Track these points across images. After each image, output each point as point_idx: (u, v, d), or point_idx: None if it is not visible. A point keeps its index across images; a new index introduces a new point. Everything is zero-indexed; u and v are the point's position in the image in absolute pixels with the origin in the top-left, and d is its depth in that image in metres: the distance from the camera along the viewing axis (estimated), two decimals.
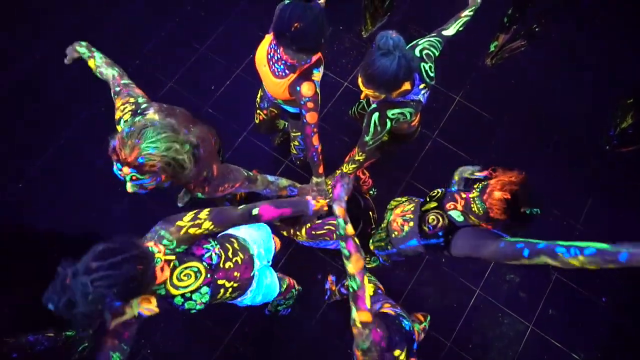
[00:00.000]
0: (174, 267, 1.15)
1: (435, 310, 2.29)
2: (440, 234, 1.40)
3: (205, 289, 1.22)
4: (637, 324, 2.25)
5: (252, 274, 1.43)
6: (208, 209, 1.19)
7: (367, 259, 2.34)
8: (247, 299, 1.50)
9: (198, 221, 1.16)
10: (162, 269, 1.09)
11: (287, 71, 1.49)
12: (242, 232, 1.55)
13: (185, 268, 1.17)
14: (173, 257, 1.14)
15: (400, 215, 1.66)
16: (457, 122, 2.68)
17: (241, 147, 2.63)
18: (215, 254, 1.27)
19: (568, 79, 2.80)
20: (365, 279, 1.12)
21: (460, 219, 1.37)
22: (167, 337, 2.24)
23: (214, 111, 2.73)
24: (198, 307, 1.22)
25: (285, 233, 1.98)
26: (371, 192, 2.45)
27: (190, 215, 1.17)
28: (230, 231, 1.53)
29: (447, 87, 2.74)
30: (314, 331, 2.25)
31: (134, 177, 1.09)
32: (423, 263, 2.37)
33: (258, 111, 2.11)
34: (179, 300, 1.16)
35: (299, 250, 2.40)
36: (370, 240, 1.96)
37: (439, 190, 1.54)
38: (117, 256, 0.93)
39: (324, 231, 1.80)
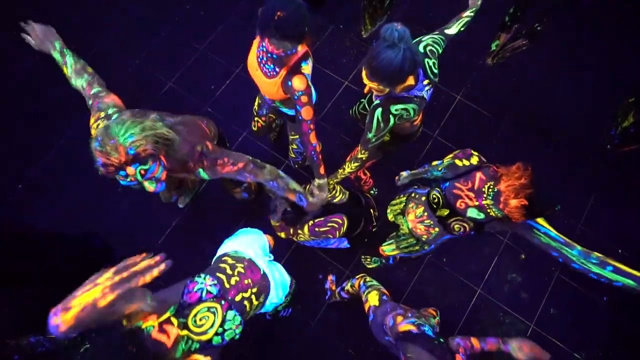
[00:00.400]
0: (182, 324, 1.06)
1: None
2: (472, 233, 1.44)
3: (231, 314, 1.17)
4: (638, 322, 2.24)
5: (262, 273, 1.40)
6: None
7: (368, 259, 2.34)
8: (274, 298, 1.46)
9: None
10: (161, 331, 0.97)
11: (277, 69, 1.51)
12: (230, 245, 1.52)
13: (195, 315, 1.11)
14: (167, 315, 1.02)
15: (417, 221, 1.63)
16: (457, 121, 2.68)
17: (241, 147, 2.63)
18: (210, 284, 1.20)
19: (568, 78, 2.80)
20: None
21: (481, 216, 1.36)
22: None
23: (214, 111, 2.72)
24: (238, 330, 1.18)
25: (283, 235, 1.96)
26: (372, 191, 2.44)
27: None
28: (219, 251, 1.50)
29: (448, 86, 2.74)
30: (315, 331, 2.25)
31: (142, 172, 1.07)
32: (424, 263, 2.37)
33: (256, 118, 2.12)
34: (217, 340, 1.12)
35: (299, 251, 2.39)
36: (389, 247, 1.94)
37: (436, 193, 1.51)
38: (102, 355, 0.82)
39: (327, 228, 1.79)
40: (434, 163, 1.60)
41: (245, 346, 2.21)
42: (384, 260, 2.30)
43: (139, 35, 2.92)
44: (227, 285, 1.23)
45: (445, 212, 1.47)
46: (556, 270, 2.35)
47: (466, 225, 1.43)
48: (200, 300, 1.16)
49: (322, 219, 1.80)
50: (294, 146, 2.12)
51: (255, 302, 1.30)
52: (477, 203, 1.35)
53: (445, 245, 2.39)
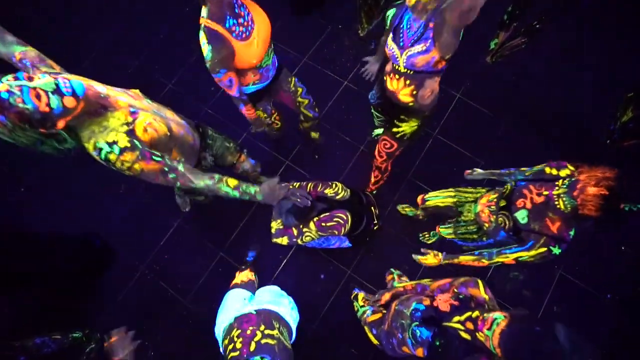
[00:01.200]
0: None
1: None
2: (511, 233, 1.42)
3: None
4: None
5: (253, 313, 1.42)
6: None
7: (426, 235, 2.37)
8: (287, 313, 1.51)
9: None
10: None
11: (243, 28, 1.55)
12: (222, 319, 1.52)
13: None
14: None
15: (487, 204, 1.62)
16: (457, 120, 2.68)
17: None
18: None
19: (568, 77, 2.79)
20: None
21: (524, 221, 1.36)
22: (169, 338, 2.23)
23: (214, 112, 2.73)
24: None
25: (285, 241, 1.95)
26: (374, 191, 2.44)
27: None
28: (217, 330, 1.53)
29: (447, 84, 2.74)
30: (316, 331, 2.24)
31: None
32: None
33: (272, 120, 2.16)
34: None
35: (300, 252, 2.39)
36: (446, 230, 1.95)
37: (509, 185, 1.52)
38: None
39: (334, 223, 1.79)
40: (523, 169, 1.60)
41: None
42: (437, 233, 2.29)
43: (139, 37, 2.93)
44: (237, 349, 1.25)
45: (503, 203, 1.49)
46: (559, 268, 2.34)
47: (507, 222, 1.43)
48: None
49: (327, 214, 1.80)
50: (305, 101, 2.04)
51: (274, 332, 1.31)
52: (530, 205, 1.34)
53: (446, 244, 2.40)
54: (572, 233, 1.32)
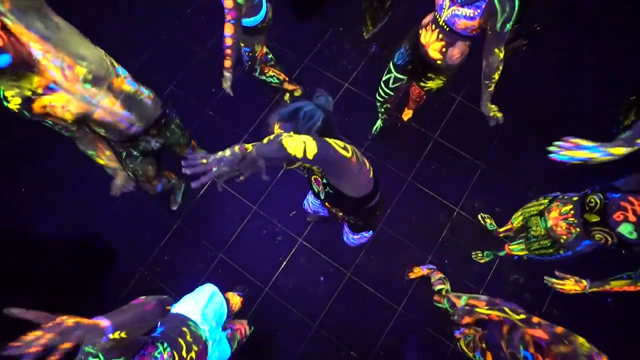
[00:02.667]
0: None
1: (437, 311, 2.28)
2: (612, 248, 1.35)
3: None
4: None
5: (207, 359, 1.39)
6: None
7: (479, 254, 2.35)
8: None
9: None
10: None
11: None
12: (191, 307, 1.46)
13: None
14: None
15: (561, 218, 1.54)
16: (458, 122, 2.68)
17: None
18: (167, 359, 1.15)
19: (568, 78, 2.79)
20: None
21: (633, 236, 1.25)
22: None
23: (214, 113, 2.73)
24: None
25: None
26: None
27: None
28: (180, 306, 1.45)
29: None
30: (316, 334, 2.24)
31: None
32: (425, 264, 2.36)
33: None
34: None
35: (299, 254, 2.39)
36: (518, 247, 1.90)
37: (596, 198, 1.41)
38: None
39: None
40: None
41: (245, 350, 2.20)
42: (497, 253, 2.25)
43: (140, 39, 2.93)
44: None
45: (596, 218, 1.38)
46: (559, 271, 2.33)
47: (609, 238, 1.34)
48: None
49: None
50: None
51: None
52: (636, 218, 1.25)
53: (446, 247, 2.39)
54: None
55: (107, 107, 1.52)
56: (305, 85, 2.75)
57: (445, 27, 1.56)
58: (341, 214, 1.49)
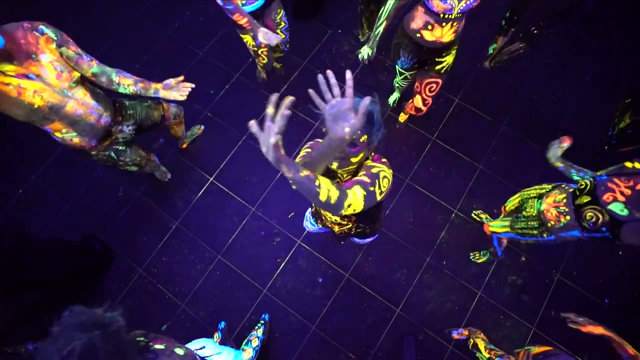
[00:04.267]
0: None
1: (436, 312, 2.28)
2: (603, 229, 1.36)
3: None
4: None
5: None
6: None
7: (477, 255, 2.35)
8: None
9: None
10: None
11: None
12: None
13: None
14: None
15: (553, 205, 1.59)
16: (456, 124, 2.69)
17: (240, 150, 2.63)
18: None
19: (567, 79, 2.81)
20: None
21: (625, 212, 1.28)
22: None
23: (214, 115, 2.73)
24: None
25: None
26: None
27: None
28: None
29: (446, 89, 2.75)
30: (314, 336, 2.24)
31: None
32: (424, 265, 2.36)
33: (260, 51, 2.27)
34: None
35: (297, 255, 2.39)
36: (499, 224, 1.91)
37: (586, 181, 1.46)
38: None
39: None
40: (600, 172, 1.51)
41: None
42: (493, 252, 2.25)
43: (140, 40, 2.94)
44: None
45: (586, 199, 1.41)
46: (557, 272, 2.34)
47: (600, 216, 1.36)
48: None
49: None
50: (281, 35, 2.27)
51: None
52: (625, 198, 1.28)
53: (446, 248, 2.40)
54: None
55: (79, 98, 1.61)
56: (305, 87, 2.75)
57: (459, 15, 1.65)
58: (348, 227, 1.55)
